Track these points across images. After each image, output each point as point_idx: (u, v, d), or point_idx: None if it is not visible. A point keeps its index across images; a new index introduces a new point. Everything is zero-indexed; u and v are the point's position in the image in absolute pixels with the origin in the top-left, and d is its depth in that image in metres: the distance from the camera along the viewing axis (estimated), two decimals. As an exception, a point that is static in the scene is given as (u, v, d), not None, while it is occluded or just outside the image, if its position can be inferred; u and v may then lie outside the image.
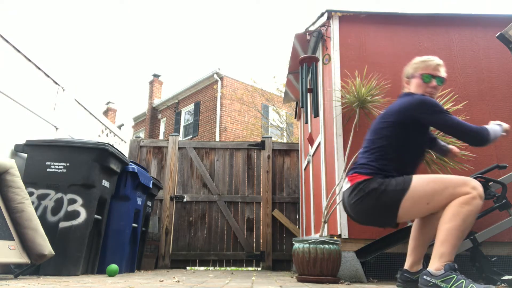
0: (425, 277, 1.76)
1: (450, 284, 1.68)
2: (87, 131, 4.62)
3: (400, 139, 1.99)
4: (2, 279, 2.36)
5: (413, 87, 2.13)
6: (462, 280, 1.67)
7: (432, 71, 2.09)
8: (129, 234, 3.65)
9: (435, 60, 2.13)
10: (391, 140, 1.99)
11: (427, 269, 1.77)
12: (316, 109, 3.54)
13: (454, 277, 1.69)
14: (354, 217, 2.05)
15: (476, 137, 1.92)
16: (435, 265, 1.75)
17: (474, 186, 1.79)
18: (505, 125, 2.03)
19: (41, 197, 3.01)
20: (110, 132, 5.24)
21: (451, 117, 1.93)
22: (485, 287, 1.63)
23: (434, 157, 2.84)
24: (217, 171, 5.62)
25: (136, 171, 3.68)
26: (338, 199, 3.04)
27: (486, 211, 2.72)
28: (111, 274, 3.02)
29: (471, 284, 1.65)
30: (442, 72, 2.12)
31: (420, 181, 1.86)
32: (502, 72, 3.41)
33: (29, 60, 3.49)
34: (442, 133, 2.95)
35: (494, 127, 1.98)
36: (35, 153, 3.14)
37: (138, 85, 46.02)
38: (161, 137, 17.05)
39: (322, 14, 3.60)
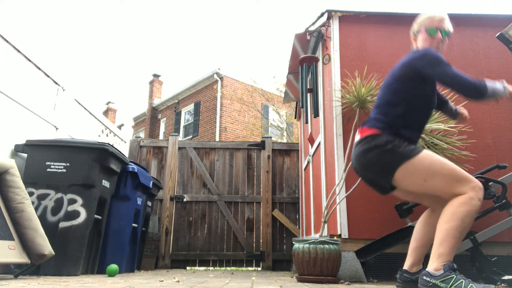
0: (424, 277, 1.76)
1: (450, 284, 1.68)
2: (87, 131, 4.62)
3: (407, 93, 2.00)
4: (2, 279, 2.36)
5: (419, 42, 2.15)
6: (462, 280, 1.67)
7: (437, 24, 2.11)
8: (129, 234, 3.65)
9: (440, 13, 2.16)
10: (399, 94, 2.01)
11: (426, 269, 1.77)
12: (316, 109, 3.54)
13: (453, 277, 1.69)
14: (358, 169, 2.06)
15: (472, 90, 1.88)
16: (434, 265, 1.75)
17: (473, 187, 1.78)
18: (510, 88, 1.92)
19: (41, 197, 3.01)
20: (110, 132, 5.25)
21: (451, 69, 1.91)
22: (485, 286, 1.64)
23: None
24: (217, 171, 5.62)
25: (136, 171, 3.68)
26: (338, 199, 3.04)
27: (486, 211, 2.72)
28: (111, 274, 3.02)
29: (470, 284, 1.65)
30: (448, 25, 2.14)
31: (428, 157, 1.85)
32: (502, 72, 3.41)
33: (29, 60, 3.49)
34: (442, 133, 2.96)
35: (496, 85, 1.92)
36: (35, 153, 3.14)
37: (138, 85, 46.05)
38: (161, 137, 17.05)
39: (322, 14, 3.60)
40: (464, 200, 1.76)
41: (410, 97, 2.00)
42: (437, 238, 1.78)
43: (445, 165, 1.84)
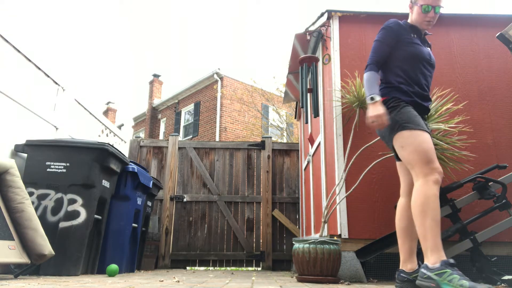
0: (422, 269, 1.85)
1: (442, 278, 1.74)
2: (87, 131, 4.62)
3: (392, 56, 2.23)
4: (2, 279, 2.36)
5: (414, 14, 2.28)
6: (456, 275, 1.72)
7: (432, 2, 2.21)
8: (129, 234, 3.65)
9: None
10: (389, 59, 2.24)
11: (425, 263, 1.85)
12: (316, 109, 3.54)
13: (448, 271, 1.75)
14: (379, 133, 2.25)
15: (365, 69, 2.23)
16: (431, 259, 1.83)
17: (430, 171, 1.90)
18: (376, 99, 2.08)
19: (41, 197, 3.01)
20: (110, 132, 5.25)
21: (375, 46, 2.23)
22: (474, 284, 1.66)
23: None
24: (217, 171, 5.62)
25: (136, 171, 3.68)
26: (338, 199, 3.04)
27: (486, 211, 2.72)
28: (111, 274, 3.02)
29: (462, 280, 1.70)
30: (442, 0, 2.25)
31: (412, 138, 1.99)
32: (502, 72, 3.41)
33: (29, 60, 3.49)
34: (442, 133, 2.96)
35: (373, 77, 2.16)
36: (35, 153, 3.14)
37: (138, 85, 46.09)
38: (161, 137, 17.05)
39: (322, 14, 3.60)
40: (421, 187, 1.91)
41: (392, 61, 2.23)
42: (419, 233, 1.90)
43: (425, 143, 1.97)
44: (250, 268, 5.33)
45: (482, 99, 3.34)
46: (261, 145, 5.69)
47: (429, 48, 2.34)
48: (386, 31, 2.22)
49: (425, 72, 2.22)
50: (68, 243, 2.92)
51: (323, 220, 2.94)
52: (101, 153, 3.16)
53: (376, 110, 2.06)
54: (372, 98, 2.09)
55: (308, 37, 3.89)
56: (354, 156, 3.00)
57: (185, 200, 5.45)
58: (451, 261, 1.78)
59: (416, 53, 2.19)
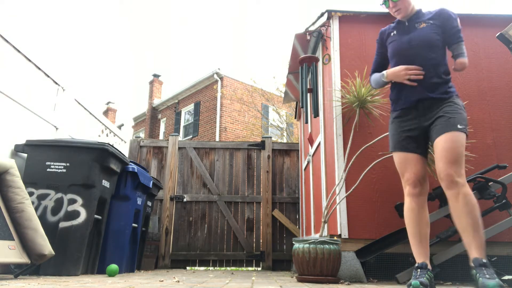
0: None
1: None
2: (87, 131, 4.62)
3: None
4: (2, 279, 2.36)
5: None
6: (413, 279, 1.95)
7: None
8: (129, 234, 3.65)
9: None
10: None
11: None
12: (316, 109, 3.54)
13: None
14: None
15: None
16: None
17: (404, 185, 2.15)
18: (385, 73, 2.34)
19: (41, 197, 3.01)
20: (110, 132, 5.25)
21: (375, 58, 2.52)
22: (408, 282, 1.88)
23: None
24: (217, 171, 5.62)
25: (136, 171, 3.68)
26: (338, 199, 3.04)
27: (486, 211, 2.72)
28: (111, 274, 3.02)
29: (414, 281, 1.90)
30: None
31: (395, 160, 2.25)
32: (502, 72, 3.41)
33: (29, 60, 3.49)
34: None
35: (375, 76, 2.45)
36: (35, 153, 3.14)
37: (138, 85, 46.11)
38: (161, 137, 17.05)
39: (322, 14, 3.60)
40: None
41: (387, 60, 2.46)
42: None
43: (396, 163, 2.21)
44: (250, 268, 5.33)
45: (482, 99, 3.33)
46: (261, 145, 5.69)
47: (423, 24, 2.23)
48: (376, 43, 2.49)
49: (410, 60, 2.22)
50: (68, 243, 2.92)
51: (323, 220, 2.94)
52: (101, 153, 3.16)
53: (394, 72, 2.23)
54: (383, 75, 2.32)
55: (308, 37, 3.89)
56: (354, 156, 3.00)
57: (185, 200, 5.45)
58: (416, 264, 1.98)
59: (392, 50, 2.31)
